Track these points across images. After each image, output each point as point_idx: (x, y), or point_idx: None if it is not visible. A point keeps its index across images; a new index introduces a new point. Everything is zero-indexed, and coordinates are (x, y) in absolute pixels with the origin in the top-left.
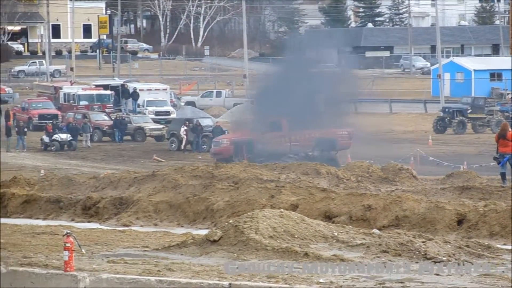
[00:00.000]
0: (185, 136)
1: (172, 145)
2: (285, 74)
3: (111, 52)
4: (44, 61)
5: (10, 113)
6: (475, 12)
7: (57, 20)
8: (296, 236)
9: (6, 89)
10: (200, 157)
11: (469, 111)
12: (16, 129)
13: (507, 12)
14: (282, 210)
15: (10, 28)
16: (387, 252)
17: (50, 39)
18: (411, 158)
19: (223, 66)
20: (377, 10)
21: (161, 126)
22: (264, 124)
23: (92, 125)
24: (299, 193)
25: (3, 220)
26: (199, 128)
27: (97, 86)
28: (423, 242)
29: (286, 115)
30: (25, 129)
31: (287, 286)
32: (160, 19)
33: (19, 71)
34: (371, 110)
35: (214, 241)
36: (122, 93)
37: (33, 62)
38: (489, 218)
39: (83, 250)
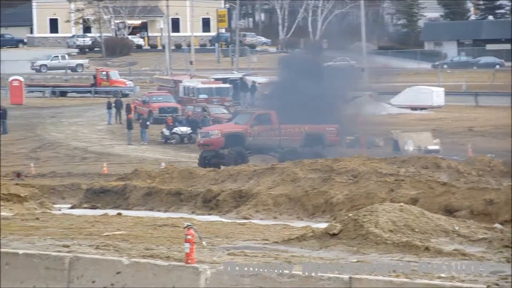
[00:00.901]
0: None
1: None
2: (296, 70)
3: (230, 45)
4: (66, 56)
5: (131, 106)
6: None
7: (177, 14)
8: (416, 230)
9: (127, 83)
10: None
11: None
12: (140, 121)
13: None
14: (402, 204)
15: (130, 22)
16: (510, 247)
17: (169, 33)
18: None
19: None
20: (498, 2)
21: None
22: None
23: (212, 118)
24: (419, 187)
25: (126, 212)
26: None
27: (216, 79)
28: None
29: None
30: (147, 122)
31: (408, 280)
32: (278, 12)
33: (41, 65)
34: (492, 103)
35: (334, 234)
36: (241, 87)
37: (55, 56)
38: None
39: (203, 242)
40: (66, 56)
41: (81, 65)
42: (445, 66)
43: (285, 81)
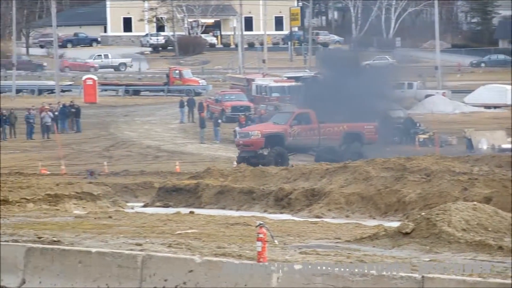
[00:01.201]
0: None
1: None
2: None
3: (303, 44)
4: (109, 54)
5: (204, 104)
6: None
7: (250, 12)
8: (489, 229)
9: (200, 81)
10: (388, 149)
11: None
12: (213, 120)
13: None
14: (475, 203)
15: (203, 21)
16: None
17: (242, 31)
18: None
19: (415, 57)
20: None
21: None
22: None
23: None
24: (493, 186)
25: (198, 211)
26: (390, 120)
27: (288, 78)
28: None
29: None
30: (219, 121)
31: (481, 279)
32: (352, 10)
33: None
34: None
35: (406, 233)
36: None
37: (98, 55)
38: None
39: (275, 241)
40: (109, 55)
41: (124, 64)
42: (483, 65)
43: (325, 78)
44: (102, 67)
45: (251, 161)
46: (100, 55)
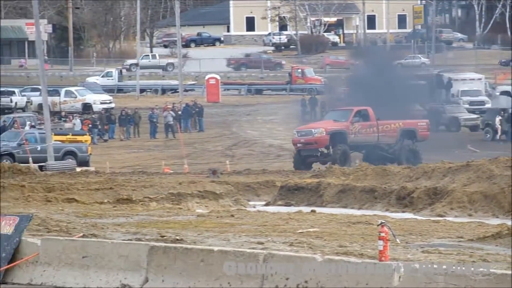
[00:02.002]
0: (499, 126)
1: (487, 135)
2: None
3: (426, 42)
4: (157, 55)
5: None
6: None
7: (372, 11)
8: None
9: (322, 80)
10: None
11: None
12: None
13: None
14: None
15: (326, 19)
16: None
17: (365, 29)
18: None
19: None
20: None
21: (475, 116)
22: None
23: None
24: None
25: (320, 209)
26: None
27: None
28: None
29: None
30: None
31: None
32: (476, 8)
33: (131, 65)
34: None
35: None
36: (436, 83)
37: (145, 55)
38: None
39: (397, 239)
40: (157, 55)
41: (172, 64)
42: None
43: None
44: (149, 67)
45: (310, 160)
46: (148, 55)
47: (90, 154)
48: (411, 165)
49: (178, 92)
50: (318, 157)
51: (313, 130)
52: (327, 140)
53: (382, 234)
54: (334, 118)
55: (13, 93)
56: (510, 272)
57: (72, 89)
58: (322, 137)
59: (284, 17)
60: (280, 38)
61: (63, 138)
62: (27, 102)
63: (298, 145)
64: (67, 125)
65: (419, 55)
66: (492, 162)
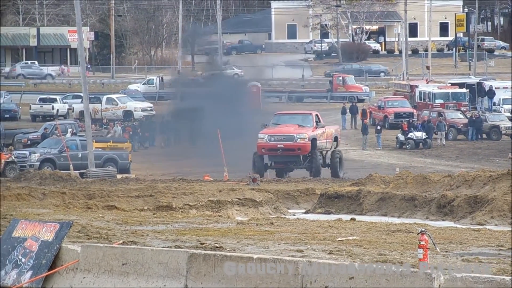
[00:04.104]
0: None
1: None
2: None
3: (468, 50)
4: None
5: (367, 111)
6: None
7: (414, 18)
8: None
9: (363, 88)
10: None
11: None
12: (378, 127)
13: None
14: None
15: (367, 27)
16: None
17: (407, 37)
18: None
19: None
20: None
21: None
22: None
23: (447, 123)
24: None
25: (359, 217)
26: None
27: (452, 84)
28: None
29: None
30: (379, 127)
31: None
32: None
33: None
34: None
35: None
36: (478, 91)
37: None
38: None
39: (437, 248)
40: None
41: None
42: None
43: None
44: None
45: (285, 167)
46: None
47: (131, 161)
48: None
49: None
50: (296, 164)
51: (295, 135)
52: (309, 147)
53: (422, 243)
54: (290, 123)
55: (54, 100)
56: None
57: (114, 96)
58: (305, 143)
59: (325, 24)
60: (321, 46)
61: (104, 145)
62: (68, 109)
63: (273, 151)
64: (111, 131)
65: (233, 66)
66: None
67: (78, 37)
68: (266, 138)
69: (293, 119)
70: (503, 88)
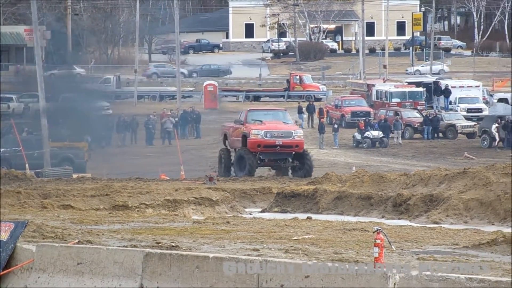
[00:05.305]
0: (496, 134)
1: (484, 143)
2: None
3: (424, 49)
4: None
5: (324, 110)
6: None
7: (371, 17)
8: None
9: (320, 87)
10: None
11: None
12: (335, 126)
13: None
14: None
15: (325, 26)
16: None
17: (364, 37)
18: None
19: None
20: None
21: (472, 123)
22: None
23: (404, 122)
24: None
25: (316, 216)
26: (511, 125)
27: (409, 83)
28: None
29: None
30: (336, 126)
31: None
32: (474, 15)
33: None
34: None
35: None
36: (435, 90)
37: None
38: None
39: (393, 246)
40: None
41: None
42: None
43: None
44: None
45: (275, 164)
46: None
47: (87, 160)
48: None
49: (176, 98)
50: (286, 162)
51: (292, 131)
52: (304, 144)
53: (378, 241)
54: (270, 119)
55: (10, 99)
56: (504, 279)
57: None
58: (302, 140)
59: (283, 24)
60: (278, 45)
61: (60, 144)
62: (24, 108)
63: (270, 147)
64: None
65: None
66: (489, 169)
67: (35, 36)
68: (261, 134)
69: (271, 115)
70: (459, 87)
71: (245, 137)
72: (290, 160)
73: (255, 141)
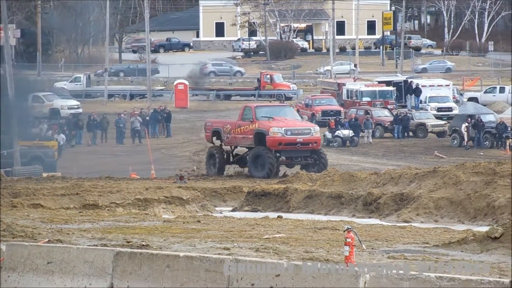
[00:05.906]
0: (466, 133)
1: (454, 141)
2: None
3: (395, 48)
4: None
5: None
6: None
7: (342, 17)
8: None
9: (291, 86)
10: (482, 153)
11: None
12: None
13: None
14: None
15: (295, 25)
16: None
17: (334, 36)
18: None
19: (507, 61)
20: None
21: (443, 122)
22: None
23: (374, 121)
24: None
25: (286, 215)
26: (481, 124)
27: (379, 82)
28: None
29: None
30: None
31: None
32: (444, 14)
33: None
34: None
35: (495, 238)
36: (405, 89)
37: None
38: None
39: (363, 245)
40: None
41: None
42: None
43: None
44: None
45: (290, 163)
46: None
47: (57, 159)
48: None
49: (146, 97)
50: (302, 159)
51: (311, 129)
52: (321, 140)
53: (348, 240)
54: (281, 116)
55: None
56: (474, 278)
57: (40, 94)
58: (319, 137)
59: (253, 22)
60: (249, 44)
61: (30, 143)
62: None
63: (290, 145)
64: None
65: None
66: (459, 168)
67: (4, 34)
68: (282, 132)
69: (280, 112)
70: (430, 86)
71: (260, 134)
72: (306, 158)
73: (276, 139)
